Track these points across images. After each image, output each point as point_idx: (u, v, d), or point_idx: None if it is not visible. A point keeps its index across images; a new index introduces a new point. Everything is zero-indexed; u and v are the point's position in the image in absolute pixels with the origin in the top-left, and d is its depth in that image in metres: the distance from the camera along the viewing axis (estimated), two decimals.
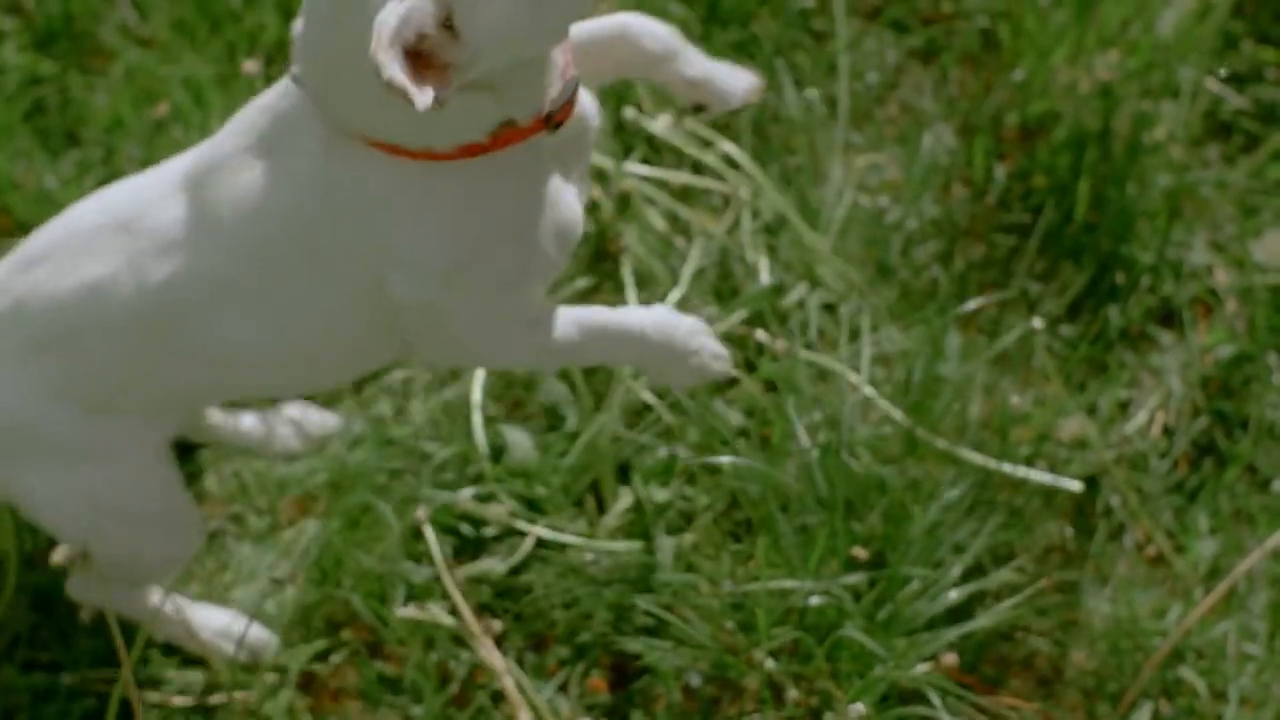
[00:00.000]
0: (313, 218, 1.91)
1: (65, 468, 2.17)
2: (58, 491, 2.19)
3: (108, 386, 2.12)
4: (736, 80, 2.18)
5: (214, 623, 2.44)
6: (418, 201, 1.87)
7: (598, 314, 2.10)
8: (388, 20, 1.58)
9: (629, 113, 2.92)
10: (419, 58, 1.63)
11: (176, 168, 2.06)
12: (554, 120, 1.88)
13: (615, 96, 2.97)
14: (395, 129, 1.83)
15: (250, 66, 2.88)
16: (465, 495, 2.54)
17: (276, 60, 3.01)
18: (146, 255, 2.03)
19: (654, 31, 2.12)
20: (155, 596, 2.43)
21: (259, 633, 2.44)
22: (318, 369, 2.14)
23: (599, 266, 2.83)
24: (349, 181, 1.88)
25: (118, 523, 2.22)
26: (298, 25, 1.86)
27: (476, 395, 2.63)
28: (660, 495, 2.55)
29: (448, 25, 1.63)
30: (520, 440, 2.59)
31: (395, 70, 1.57)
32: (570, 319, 2.08)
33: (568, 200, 1.97)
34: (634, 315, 2.12)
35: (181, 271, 2.01)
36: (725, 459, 2.49)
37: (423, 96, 1.58)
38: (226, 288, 2.00)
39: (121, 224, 2.05)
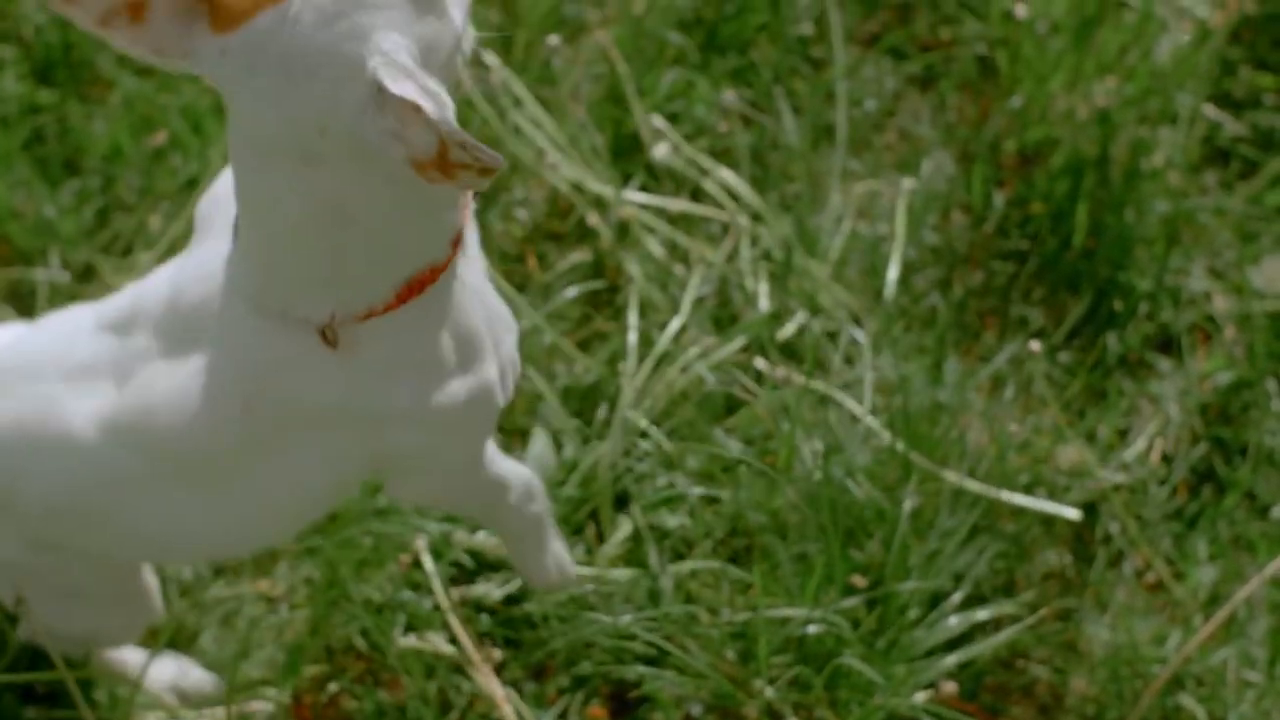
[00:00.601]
0: (295, 408, 1.85)
1: (18, 566, 2.16)
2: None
3: (47, 539, 2.09)
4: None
5: (159, 671, 2.43)
6: (412, 352, 1.81)
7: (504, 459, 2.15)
8: (449, 124, 1.51)
9: (629, 139, 2.93)
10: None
11: (61, 355, 1.98)
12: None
13: (613, 121, 2.98)
14: (409, 255, 1.75)
15: None
16: (466, 532, 2.54)
17: None
18: (52, 457, 1.97)
19: None
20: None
21: (200, 675, 2.44)
22: (264, 535, 2.12)
23: (597, 295, 2.83)
24: (353, 370, 1.81)
25: (72, 606, 2.22)
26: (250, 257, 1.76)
27: None
28: (659, 524, 2.55)
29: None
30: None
31: (492, 154, 1.52)
32: (496, 459, 2.10)
33: (493, 294, 1.95)
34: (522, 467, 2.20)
35: (99, 471, 1.95)
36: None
37: (496, 158, 1.54)
38: (166, 481, 1.94)
39: (20, 427, 1.99)
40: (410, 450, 1.91)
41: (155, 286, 1.92)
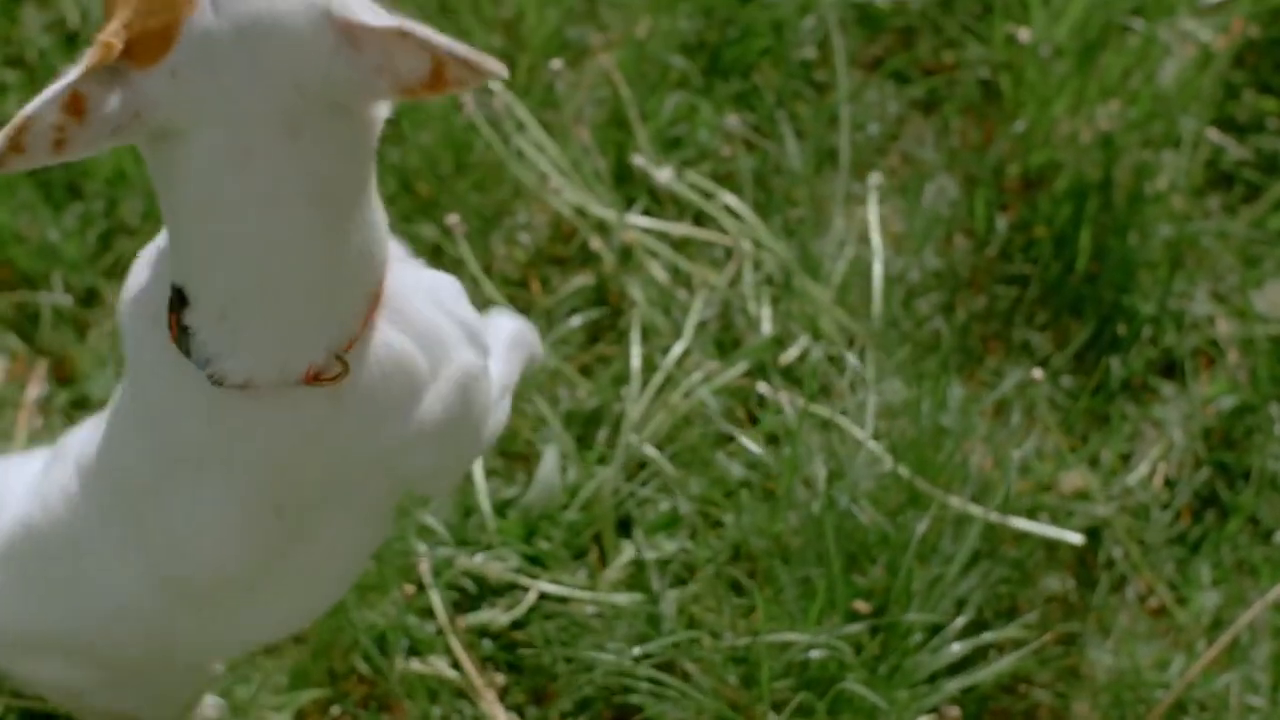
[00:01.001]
0: (320, 479, 1.79)
1: (87, 686, 2.14)
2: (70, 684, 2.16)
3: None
4: None
5: None
6: (390, 374, 1.75)
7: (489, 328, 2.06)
8: (440, 39, 1.48)
9: (634, 161, 2.93)
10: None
11: (75, 534, 1.93)
12: None
13: (616, 145, 2.98)
14: (377, 257, 1.70)
15: None
16: (468, 557, 2.54)
17: None
18: (112, 624, 1.96)
19: None
20: None
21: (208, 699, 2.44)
22: (327, 599, 2.07)
23: (599, 320, 2.83)
24: (349, 415, 1.74)
25: (132, 704, 2.21)
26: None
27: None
28: (662, 548, 2.55)
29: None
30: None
31: (494, 63, 1.48)
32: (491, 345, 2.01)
33: (422, 268, 1.87)
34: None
35: (158, 618, 1.93)
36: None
37: (500, 69, 1.50)
38: (229, 599, 1.90)
39: (78, 616, 1.97)
40: (430, 464, 1.86)
41: (124, 423, 1.84)
